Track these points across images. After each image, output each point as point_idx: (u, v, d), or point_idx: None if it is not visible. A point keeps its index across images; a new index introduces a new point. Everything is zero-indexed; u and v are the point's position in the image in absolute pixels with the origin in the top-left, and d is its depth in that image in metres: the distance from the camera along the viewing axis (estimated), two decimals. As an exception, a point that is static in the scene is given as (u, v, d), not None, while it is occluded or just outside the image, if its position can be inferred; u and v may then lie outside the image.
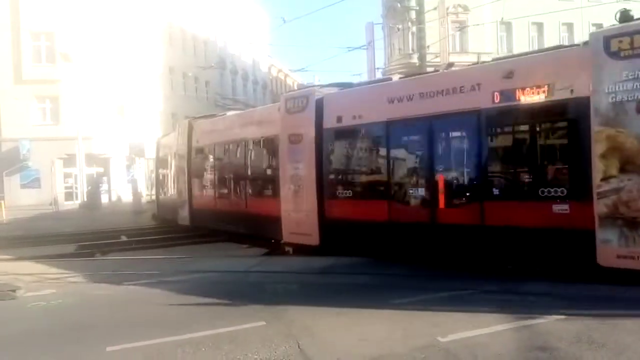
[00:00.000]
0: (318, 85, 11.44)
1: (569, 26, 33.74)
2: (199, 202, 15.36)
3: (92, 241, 14.39)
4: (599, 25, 33.49)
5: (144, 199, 27.20)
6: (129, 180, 31.41)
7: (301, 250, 10.69)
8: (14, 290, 8.18)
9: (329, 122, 10.19)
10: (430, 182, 8.76)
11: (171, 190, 17.96)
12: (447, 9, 31.35)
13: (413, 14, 33.87)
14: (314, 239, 10.22)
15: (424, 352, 4.73)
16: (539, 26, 33.79)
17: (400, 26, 33.90)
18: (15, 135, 28.93)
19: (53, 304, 7.45)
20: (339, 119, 10.07)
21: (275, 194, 11.48)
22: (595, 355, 4.49)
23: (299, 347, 5.04)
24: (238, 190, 13.60)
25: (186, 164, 15.78)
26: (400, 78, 11.42)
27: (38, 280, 9.06)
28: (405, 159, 9.57)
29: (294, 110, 10.81)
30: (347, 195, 10.07)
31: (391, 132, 9.37)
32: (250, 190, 13.09)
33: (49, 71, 29.62)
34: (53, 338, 5.87)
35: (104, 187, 31.34)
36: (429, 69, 28.84)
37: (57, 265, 10.55)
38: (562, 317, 5.51)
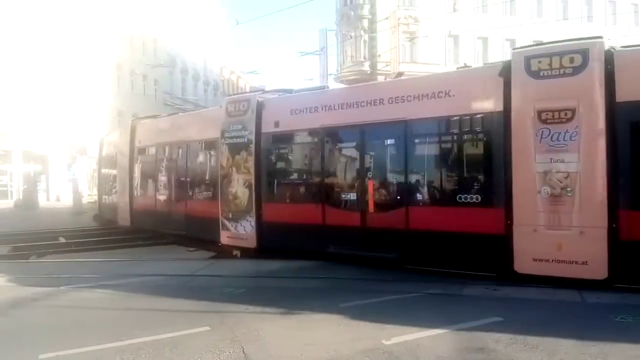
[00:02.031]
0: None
1: (512, 42, 35.33)
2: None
3: (28, 242, 13.66)
4: (540, 43, 35.46)
5: (85, 199, 26.12)
6: (69, 180, 30.07)
7: (243, 253, 11.09)
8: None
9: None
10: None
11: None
12: (399, 19, 32.14)
13: (366, 23, 34.41)
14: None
15: (369, 355, 4.79)
16: (484, 41, 35.21)
17: (353, 34, 34.41)
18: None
19: (-19, 309, 7.01)
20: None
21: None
22: (530, 355, 4.70)
23: (243, 352, 4.98)
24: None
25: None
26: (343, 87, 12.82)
27: (-35, 284, 8.51)
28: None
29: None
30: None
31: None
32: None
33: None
34: (-20, 345, 5.51)
35: (41, 185, 29.85)
36: (380, 77, 29.45)
37: (-13, 267, 9.94)
38: (500, 319, 5.74)
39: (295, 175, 10.98)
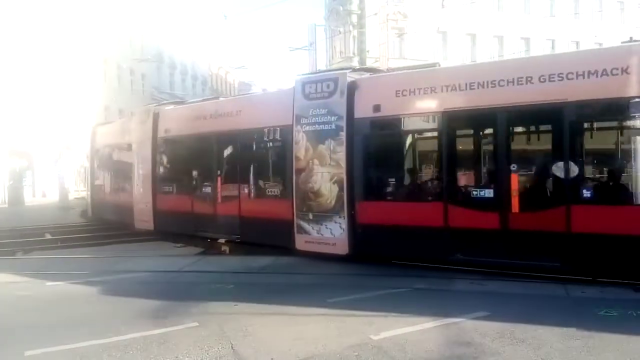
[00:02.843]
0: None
1: (500, 39, 35.60)
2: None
3: (14, 239, 13.51)
4: (527, 39, 35.82)
5: (72, 195, 25.84)
6: (58, 175, 29.72)
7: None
8: None
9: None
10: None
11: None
12: (388, 15, 32.14)
13: (355, 18, 34.49)
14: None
15: (357, 350, 4.82)
16: (473, 37, 35.39)
17: (341, 29, 34.39)
18: None
19: (-34, 306, 6.93)
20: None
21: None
22: (516, 349, 4.76)
23: (232, 347, 4.98)
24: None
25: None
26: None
27: (-51, 281, 8.39)
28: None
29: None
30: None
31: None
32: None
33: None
34: (-36, 343, 5.45)
35: (27, 181, 29.46)
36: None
37: (-29, 264, 9.82)
38: (487, 313, 5.81)
39: (404, 169, 9.30)
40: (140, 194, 13.69)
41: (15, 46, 27.73)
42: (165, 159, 13.32)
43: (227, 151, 11.68)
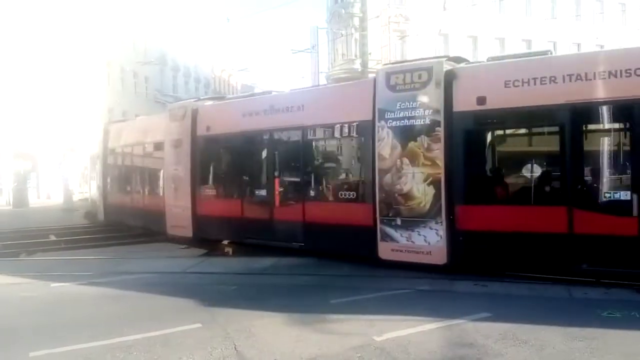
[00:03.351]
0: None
1: (501, 41, 35.59)
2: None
3: (18, 240, 13.55)
4: (529, 41, 35.82)
5: (76, 196, 25.90)
6: (61, 177, 29.79)
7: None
8: None
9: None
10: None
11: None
12: (389, 17, 32.21)
13: (357, 21, 34.53)
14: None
15: (360, 352, 4.83)
16: (474, 39, 35.40)
17: (344, 32, 34.43)
18: None
19: (-29, 307, 6.96)
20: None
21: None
22: (518, 351, 4.77)
23: (235, 348, 5.00)
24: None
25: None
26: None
27: (-46, 283, 8.43)
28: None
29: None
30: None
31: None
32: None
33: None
34: (-31, 344, 5.48)
35: (31, 183, 29.56)
36: (371, 75, 29.51)
37: (-24, 266, 9.86)
38: (489, 315, 5.81)
39: (517, 168, 8.45)
40: (174, 198, 12.44)
41: (20, 49, 27.85)
42: (207, 159, 12.14)
43: (287, 150, 10.68)
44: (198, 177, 12.07)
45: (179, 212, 12.33)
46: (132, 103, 32.48)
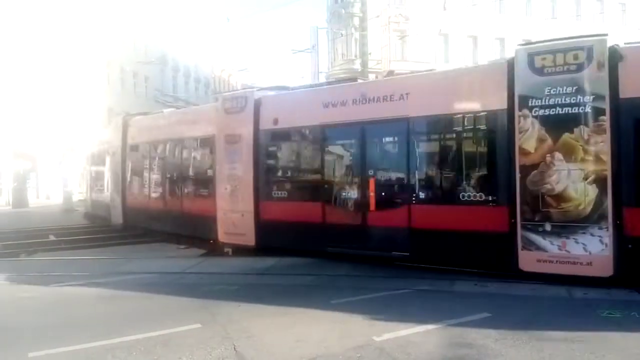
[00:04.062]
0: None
1: (501, 40, 35.61)
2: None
3: (18, 240, 13.56)
4: (529, 41, 35.77)
5: (76, 197, 25.90)
6: (61, 176, 29.76)
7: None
8: None
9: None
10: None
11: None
12: (389, 17, 32.23)
13: (357, 21, 34.58)
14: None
15: (360, 352, 4.82)
16: (474, 39, 35.42)
17: (344, 32, 34.46)
18: None
19: (-30, 307, 6.96)
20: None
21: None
22: (518, 351, 4.76)
23: (235, 349, 4.99)
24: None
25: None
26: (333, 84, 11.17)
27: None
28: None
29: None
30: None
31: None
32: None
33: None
34: (-31, 344, 5.48)
35: (31, 183, 29.57)
36: (371, 76, 29.58)
37: (-25, 266, 9.86)
38: (489, 315, 5.81)
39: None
40: (230, 201, 10.88)
41: (20, 49, 27.85)
42: (274, 157, 10.72)
43: (385, 145, 9.49)
44: (263, 178, 10.53)
45: (237, 218, 10.71)
46: (132, 103, 32.42)
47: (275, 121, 10.39)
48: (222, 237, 11.14)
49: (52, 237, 14.44)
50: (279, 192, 10.36)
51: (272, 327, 5.71)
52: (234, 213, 10.79)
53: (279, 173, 10.67)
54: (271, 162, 10.65)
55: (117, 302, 7.16)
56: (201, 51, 49.68)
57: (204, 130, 12.05)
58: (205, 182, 11.99)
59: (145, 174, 14.49)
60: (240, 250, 10.95)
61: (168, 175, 13.41)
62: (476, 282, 7.43)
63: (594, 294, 6.69)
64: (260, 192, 10.50)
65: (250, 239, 10.52)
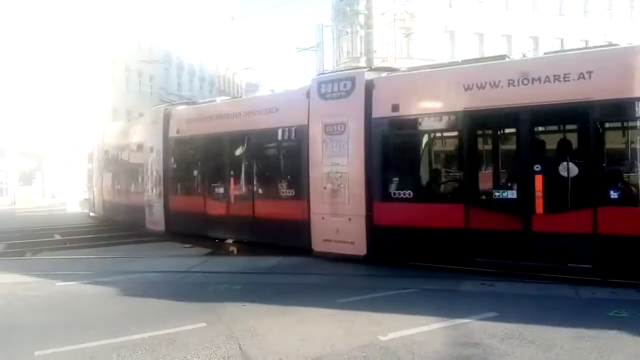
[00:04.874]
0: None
1: (508, 37, 35.42)
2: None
3: (23, 240, 13.62)
4: (536, 38, 35.61)
5: (81, 195, 26.01)
6: (66, 175, 29.88)
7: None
8: None
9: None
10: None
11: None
12: (395, 15, 32.12)
13: (362, 18, 34.48)
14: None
15: (365, 351, 4.80)
16: (480, 36, 35.24)
17: (349, 29, 34.38)
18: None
19: (-23, 306, 6.99)
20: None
21: None
22: (525, 350, 4.73)
23: (240, 348, 4.98)
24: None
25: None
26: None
27: (-39, 281, 8.48)
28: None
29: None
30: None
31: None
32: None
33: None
34: (-25, 343, 5.50)
35: (36, 183, 29.73)
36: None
37: (-18, 265, 9.90)
38: (496, 314, 5.77)
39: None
40: (331, 203, 9.25)
41: (25, 48, 27.97)
42: (394, 151, 9.08)
43: (556, 135, 8.00)
44: (377, 175, 8.90)
45: (340, 223, 9.15)
46: (136, 102, 32.55)
47: (395, 107, 8.67)
48: (317, 245, 9.49)
49: (57, 237, 14.50)
50: (401, 192, 8.67)
51: (277, 326, 5.69)
52: (337, 217, 9.18)
53: (401, 169, 8.99)
54: (390, 156, 8.99)
55: (122, 301, 7.17)
56: (206, 50, 49.77)
57: (288, 119, 10.21)
58: (289, 181, 10.27)
59: (197, 173, 12.59)
60: (245, 250, 10.92)
61: (232, 173, 11.45)
62: (483, 282, 7.39)
63: (601, 294, 6.64)
64: (374, 191, 8.88)
65: (359, 248, 8.93)
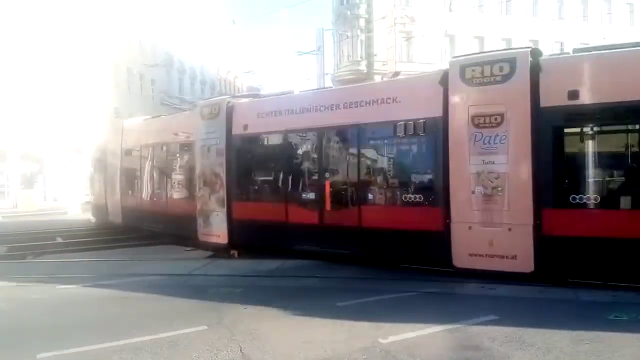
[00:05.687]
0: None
1: (508, 41, 35.48)
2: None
3: (25, 243, 13.65)
4: (535, 42, 35.66)
5: (82, 198, 26.04)
6: (68, 178, 29.89)
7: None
8: None
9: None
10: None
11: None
12: (395, 18, 32.23)
13: (362, 22, 34.58)
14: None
15: (365, 354, 4.83)
16: (480, 40, 35.32)
17: (349, 33, 34.49)
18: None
19: (-21, 309, 7.02)
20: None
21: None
22: (525, 353, 4.75)
23: (241, 351, 5.01)
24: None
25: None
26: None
27: (-37, 285, 8.50)
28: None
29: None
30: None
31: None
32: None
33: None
34: (-22, 345, 5.53)
35: (38, 186, 29.77)
36: (377, 77, 29.59)
37: (-16, 268, 9.94)
38: (496, 317, 5.79)
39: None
40: (483, 210, 7.75)
41: (27, 51, 28.06)
42: (574, 146, 7.55)
43: None
44: (547, 175, 7.43)
45: (497, 234, 7.68)
46: (138, 105, 32.58)
47: (573, 95, 7.15)
48: (460, 260, 7.95)
49: (59, 239, 14.52)
50: (586, 196, 7.13)
51: (278, 329, 5.72)
52: (490, 226, 7.71)
53: (587, 168, 7.37)
54: (568, 153, 7.54)
55: (124, 304, 7.19)
56: (207, 53, 49.89)
57: (411, 110, 8.62)
58: (414, 184, 8.83)
59: (275, 176, 10.84)
60: (247, 252, 10.93)
61: (327, 176, 9.88)
62: (483, 285, 7.41)
63: (600, 297, 6.65)
64: (543, 195, 7.37)
65: (525, 264, 7.43)
